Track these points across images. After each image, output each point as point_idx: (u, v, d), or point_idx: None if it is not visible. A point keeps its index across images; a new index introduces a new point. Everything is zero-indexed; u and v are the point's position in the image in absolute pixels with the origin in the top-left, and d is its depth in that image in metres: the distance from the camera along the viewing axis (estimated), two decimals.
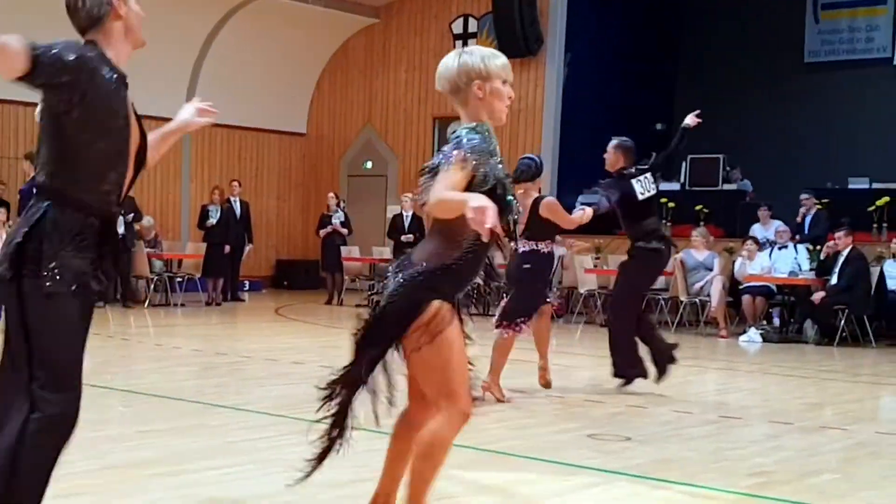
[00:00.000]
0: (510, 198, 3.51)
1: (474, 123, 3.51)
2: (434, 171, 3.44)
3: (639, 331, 8.02)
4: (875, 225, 15.11)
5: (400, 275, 3.52)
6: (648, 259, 8.13)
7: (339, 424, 3.75)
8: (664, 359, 7.96)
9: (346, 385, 3.68)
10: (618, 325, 8.14)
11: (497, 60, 3.52)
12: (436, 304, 3.46)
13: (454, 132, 3.50)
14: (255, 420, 6.38)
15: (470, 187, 3.37)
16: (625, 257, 8.51)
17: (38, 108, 3.27)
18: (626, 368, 8.03)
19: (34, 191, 3.25)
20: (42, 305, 3.15)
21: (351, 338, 3.61)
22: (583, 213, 7.68)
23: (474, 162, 3.39)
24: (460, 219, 3.27)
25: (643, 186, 8.07)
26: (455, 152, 3.40)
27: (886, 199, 15.10)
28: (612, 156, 8.17)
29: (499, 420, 6.58)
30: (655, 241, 8.07)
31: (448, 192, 3.31)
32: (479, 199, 3.12)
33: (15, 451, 3.13)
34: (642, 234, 8.05)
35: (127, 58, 3.36)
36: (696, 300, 13.74)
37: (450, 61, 3.52)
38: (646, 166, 8.22)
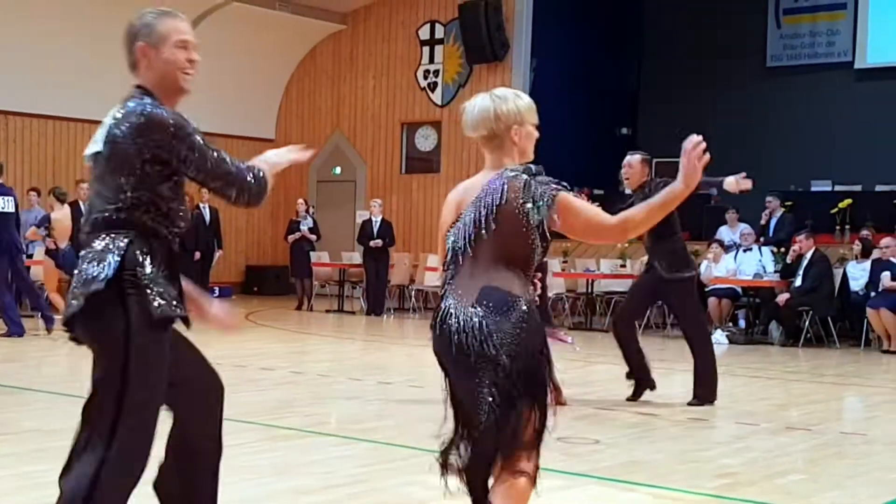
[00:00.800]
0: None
1: (516, 165, 3.51)
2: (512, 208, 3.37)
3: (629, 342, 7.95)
4: (838, 227, 15.32)
5: (512, 315, 3.28)
6: (692, 286, 8.00)
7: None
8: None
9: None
10: (705, 349, 7.92)
11: (526, 101, 3.56)
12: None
13: (514, 174, 3.42)
14: (224, 427, 6.37)
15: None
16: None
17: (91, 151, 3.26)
18: (711, 390, 7.83)
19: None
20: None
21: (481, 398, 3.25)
22: None
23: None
24: (530, 252, 3.36)
25: None
26: (554, 187, 3.40)
27: (849, 201, 15.32)
28: (640, 171, 7.72)
29: None
30: (690, 268, 7.93)
31: (651, 205, 3.37)
32: (689, 179, 3.28)
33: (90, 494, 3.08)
34: (678, 254, 7.80)
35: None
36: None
37: (484, 106, 3.51)
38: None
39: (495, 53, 17.48)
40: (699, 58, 19.16)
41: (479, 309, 3.27)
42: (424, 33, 18.84)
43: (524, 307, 3.30)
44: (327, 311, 16.41)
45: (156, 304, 3.11)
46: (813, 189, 16.57)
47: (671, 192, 3.35)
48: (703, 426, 7.12)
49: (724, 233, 15.09)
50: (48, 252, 12.52)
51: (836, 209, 15.27)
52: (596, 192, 15.15)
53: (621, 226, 3.37)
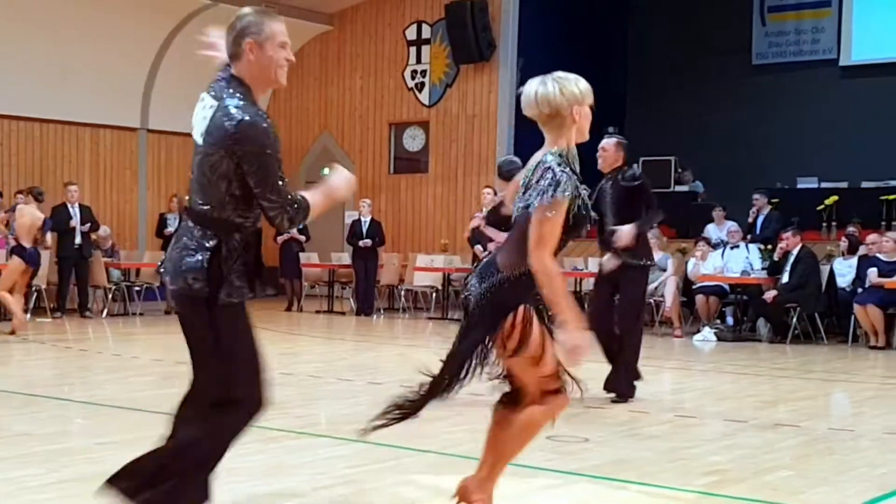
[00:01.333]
0: (591, 214, 3.91)
1: (560, 149, 3.83)
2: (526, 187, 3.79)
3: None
4: (824, 224, 15.39)
5: (486, 282, 3.79)
6: (645, 276, 7.95)
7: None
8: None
9: (432, 390, 3.99)
10: (632, 341, 7.85)
11: (584, 84, 3.91)
12: (521, 308, 3.77)
13: (544, 161, 3.75)
14: None
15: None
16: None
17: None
18: (629, 386, 7.78)
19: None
20: None
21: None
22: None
23: (568, 200, 3.72)
24: None
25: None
26: (553, 195, 3.68)
27: (835, 198, 15.39)
28: (613, 154, 7.70)
29: (457, 424, 6.63)
30: (650, 258, 7.91)
31: (560, 289, 3.66)
32: (574, 337, 3.58)
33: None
34: (643, 243, 7.68)
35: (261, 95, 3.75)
36: (651, 300, 13.88)
37: (548, 86, 3.83)
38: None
39: (482, 53, 17.51)
40: (685, 56, 19.22)
41: (476, 272, 3.89)
42: (411, 34, 18.85)
43: (497, 280, 3.75)
44: (317, 312, 16.40)
45: (224, 294, 3.71)
46: (799, 186, 16.64)
47: (563, 314, 3.61)
48: (691, 423, 7.15)
49: (712, 230, 15.15)
50: (14, 250, 12.19)
51: (822, 206, 15.34)
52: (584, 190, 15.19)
53: (541, 264, 3.64)
